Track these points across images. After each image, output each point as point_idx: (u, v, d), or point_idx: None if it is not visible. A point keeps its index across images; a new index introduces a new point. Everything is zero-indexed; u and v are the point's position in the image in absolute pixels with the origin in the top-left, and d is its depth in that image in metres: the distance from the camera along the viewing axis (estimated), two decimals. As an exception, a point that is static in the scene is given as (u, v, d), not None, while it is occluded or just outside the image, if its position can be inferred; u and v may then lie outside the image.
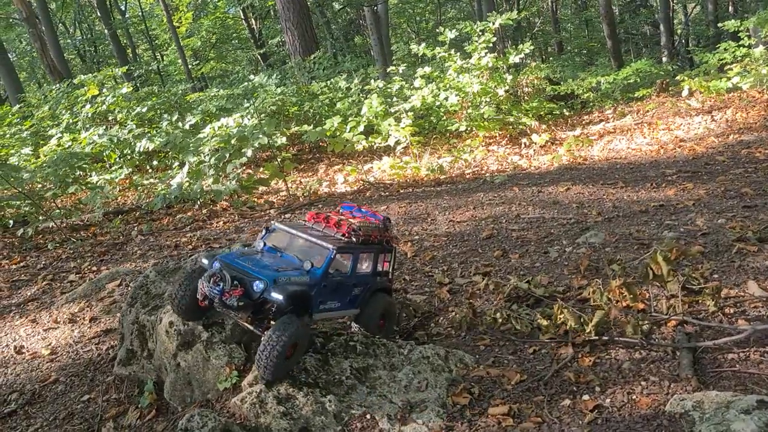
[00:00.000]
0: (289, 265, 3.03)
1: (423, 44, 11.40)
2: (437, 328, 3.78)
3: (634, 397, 2.80)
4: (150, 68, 25.73)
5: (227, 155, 8.38)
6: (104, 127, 11.27)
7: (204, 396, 3.13)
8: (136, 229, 7.53)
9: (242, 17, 26.73)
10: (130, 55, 27.71)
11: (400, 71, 11.93)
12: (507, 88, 11.23)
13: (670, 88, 13.58)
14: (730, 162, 7.04)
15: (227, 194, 8.21)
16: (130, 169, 10.64)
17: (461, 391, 3.00)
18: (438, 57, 11.46)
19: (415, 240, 5.50)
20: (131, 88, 12.55)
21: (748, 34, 13.29)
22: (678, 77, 13.27)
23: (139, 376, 3.57)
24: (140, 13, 28.83)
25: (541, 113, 11.93)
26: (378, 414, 2.82)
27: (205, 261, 3.08)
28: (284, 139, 9.24)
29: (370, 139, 10.03)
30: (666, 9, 24.23)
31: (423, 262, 4.90)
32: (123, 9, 30.43)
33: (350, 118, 10.49)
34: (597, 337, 3.25)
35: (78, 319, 4.62)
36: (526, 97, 12.24)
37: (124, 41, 27.19)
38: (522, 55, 11.21)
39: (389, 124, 9.87)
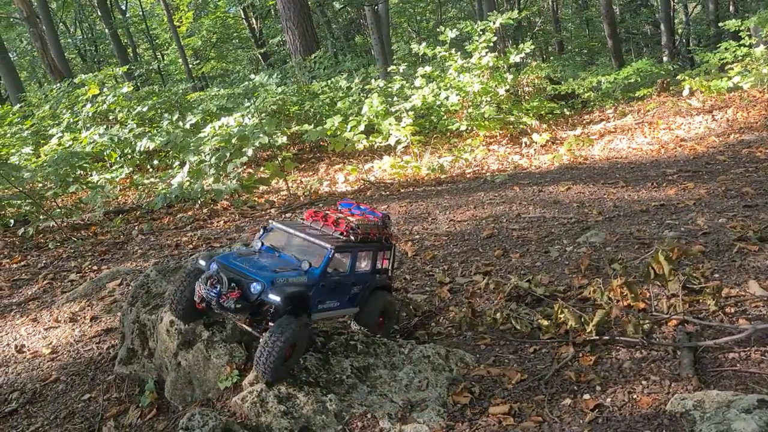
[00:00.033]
0: (287, 266, 3.01)
1: (423, 44, 11.39)
2: (438, 327, 3.78)
3: (634, 396, 2.80)
4: (150, 68, 25.76)
5: (228, 154, 8.37)
6: (105, 126, 11.27)
7: (205, 395, 3.13)
8: (136, 228, 7.53)
9: (243, 17, 26.74)
10: (131, 54, 27.72)
11: (401, 71, 11.93)
12: (507, 87, 11.22)
13: (670, 88, 13.57)
14: (731, 161, 7.03)
15: (228, 193, 8.21)
16: (131, 169, 10.64)
17: (462, 390, 3.00)
18: (438, 56, 11.46)
19: (416, 239, 5.50)
20: (132, 88, 12.54)
21: (748, 33, 13.29)
22: (679, 77, 13.27)
23: (140, 375, 3.57)
24: (141, 13, 28.85)
25: (542, 113, 11.92)
26: (379, 413, 2.82)
27: (202, 262, 3.06)
28: (285, 139, 9.23)
29: (370, 138, 10.02)
30: (667, 8, 24.22)
31: (423, 261, 4.90)
32: (123, 8, 30.45)
33: (351, 118, 10.49)
34: (598, 337, 3.25)
35: (79, 318, 4.62)
36: (526, 97, 12.23)
37: (125, 41, 27.20)
38: (522, 55, 11.21)
39: (390, 124, 9.87)
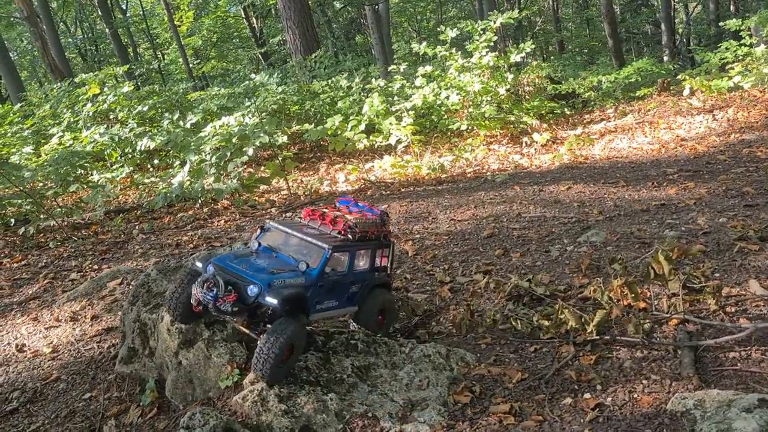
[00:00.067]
0: (285, 267, 2.99)
1: (424, 43, 11.39)
2: (438, 326, 3.78)
3: (635, 395, 2.80)
4: (151, 67, 25.76)
5: (228, 154, 8.37)
6: (105, 125, 11.28)
7: (205, 394, 3.13)
8: (137, 227, 7.54)
9: (243, 16, 26.74)
10: (131, 54, 27.73)
11: (401, 70, 11.93)
12: (508, 87, 11.22)
13: (671, 87, 13.57)
14: (732, 161, 7.03)
15: (228, 193, 8.21)
16: (131, 168, 10.64)
17: (462, 389, 3.00)
18: (439, 56, 11.45)
19: (416, 239, 5.50)
20: (132, 87, 12.54)
21: (749, 33, 13.29)
22: (679, 76, 13.27)
23: (141, 375, 3.57)
24: (141, 12, 28.85)
25: (542, 112, 11.92)
26: (379, 412, 2.82)
27: (199, 264, 3.04)
28: (285, 138, 9.24)
29: (371, 138, 10.02)
30: (667, 8, 24.22)
31: (424, 260, 4.90)
32: (124, 8, 30.46)
33: (351, 117, 10.49)
34: (598, 336, 3.25)
35: (79, 317, 4.62)
36: (527, 96, 12.23)
37: (125, 40, 27.21)
38: (523, 54, 11.21)
39: (390, 123, 9.87)
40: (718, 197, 5.55)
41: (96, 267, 6.07)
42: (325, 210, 3.34)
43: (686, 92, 11.87)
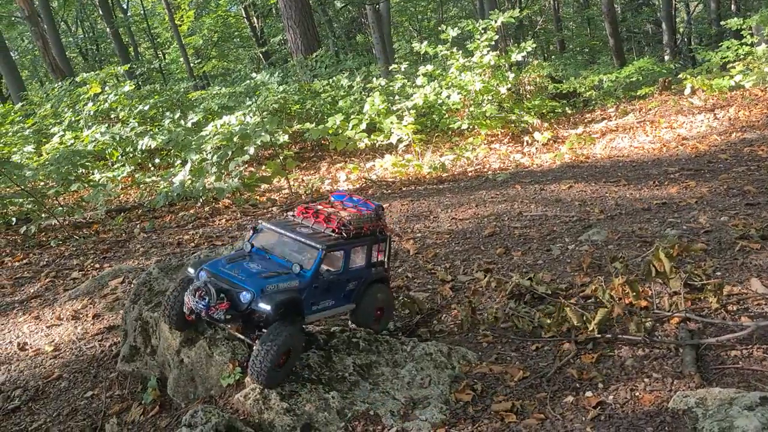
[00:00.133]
0: (278, 269, 2.94)
1: (425, 42, 11.39)
2: (440, 325, 3.78)
3: (637, 393, 2.80)
4: (152, 66, 25.76)
5: (229, 153, 8.37)
6: (106, 125, 11.28)
7: (207, 392, 3.13)
8: (138, 226, 7.54)
9: (244, 15, 26.75)
10: (132, 53, 27.74)
11: (402, 69, 11.92)
12: (509, 86, 11.21)
13: (672, 87, 13.55)
14: (733, 160, 7.03)
15: (229, 192, 8.21)
16: (133, 167, 10.64)
17: (464, 387, 3.00)
18: (440, 55, 11.45)
19: (418, 237, 5.50)
20: (133, 87, 12.55)
21: (750, 32, 13.28)
22: (680, 75, 13.26)
23: (143, 373, 3.58)
24: (142, 12, 28.86)
25: (544, 111, 11.91)
26: (381, 410, 2.82)
27: (191, 270, 3.00)
28: (286, 137, 9.24)
29: (372, 137, 10.02)
30: (668, 7, 24.21)
31: (425, 259, 4.90)
32: (125, 7, 30.46)
33: (352, 116, 10.49)
34: (600, 335, 3.25)
35: (81, 316, 4.63)
36: (528, 96, 12.22)
37: (126, 39, 27.21)
38: (524, 54, 11.21)
39: (391, 122, 9.87)
40: (719, 196, 5.55)
41: (97, 266, 6.08)
42: (319, 207, 3.26)
43: (687, 91, 11.86)
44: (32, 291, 5.50)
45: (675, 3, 26.80)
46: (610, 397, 2.81)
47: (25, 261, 6.61)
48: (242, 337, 3.04)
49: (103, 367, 3.84)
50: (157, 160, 11.38)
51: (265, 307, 2.73)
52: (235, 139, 8.35)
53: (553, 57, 27.11)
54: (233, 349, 3.16)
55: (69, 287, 5.43)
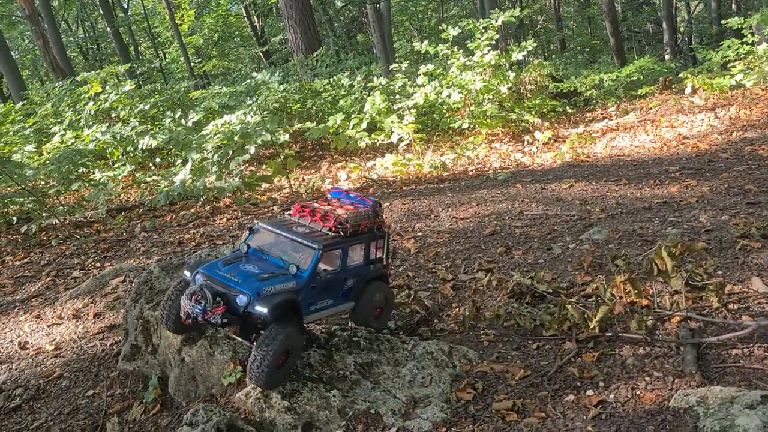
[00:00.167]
0: (275, 270, 2.91)
1: (425, 41, 11.38)
2: (441, 324, 3.78)
3: (638, 392, 2.80)
4: (152, 66, 25.75)
5: (230, 152, 8.37)
6: (107, 124, 11.28)
7: (208, 391, 3.14)
8: (139, 225, 7.54)
9: (244, 15, 26.72)
10: (133, 52, 27.73)
11: (403, 68, 11.92)
12: (510, 85, 11.21)
13: (673, 86, 13.55)
14: (734, 159, 7.03)
15: (230, 191, 8.21)
16: (133, 167, 10.64)
17: (465, 386, 3.00)
18: (441, 54, 11.44)
19: (419, 236, 5.50)
20: (134, 86, 12.55)
21: (751, 31, 13.27)
22: (681, 75, 13.26)
23: (144, 372, 3.58)
24: (142, 11, 28.85)
25: (544, 110, 11.91)
26: (382, 409, 2.83)
27: (187, 273, 2.98)
28: (287, 137, 9.23)
29: (372, 136, 10.01)
30: (669, 6, 24.19)
31: (426, 258, 4.90)
32: (125, 7, 30.45)
33: (353, 116, 10.48)
34: (601, 333, 3.25)
35: (82, 315, 4.63)
36: (528, 95, 12.22)
37: (127, 39, 27.20)
38: (524, 53, 11.19)
39: (392, 122, 9.87)
40: (720, 195, 5.55)
41: (98, 265, 6.08)
42: (315, 205, 3.23)
43: (688, 90, 11.85)
44: (33, 290, 5.51)
45: (676, 2, 26.79)
46: (611, 395, 2.81)
47: (26, 260, 6.62)
48: (240, 339, 3.03)
49: (104, 366, 3.85)
50: (157, 160, 11.38)
51: (261, 309, 2.71)
52: (235, 139, 8.34)
53: (553, 56, 27.10)
54: (234, 348, 3.16)
55: (70, 286, 5.43)
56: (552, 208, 5.84)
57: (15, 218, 8.39)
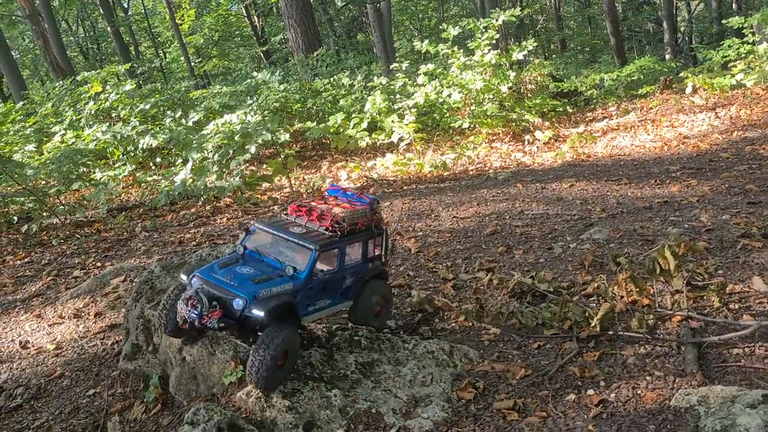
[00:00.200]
0: (271, 272, 2.89)
1: (426, 41, 11.38)
2: (442, 323, 3.78)
3: (639, 391, 2.80)
4: (152, 65, 25.73)
5: (230, 152, 8.37)
6: (107, 124, 11.28)
7: (209, 390, 3.14)
8: (139, 225, 7.54)
9: (245, 14, 26.74)
10: (133, 52, 27.74)
11: (403, 68, 11.92)
12: (510, 85, 11.20)
13: (673, 85, 13.54)
14: (734, 159, 7.02)
15: (231, 191, 8.21)
16: (134, 166, 10.64)
17: (466, 385, 3.00)
18: (441, 54, 11.44)
19: (419, 236, 5.50)
20: (134, 86, 12.55)
21: (752, 30, 13.27)
22: (682, 74, 13.25)
23: (145, 371, 3.58)
24: (143, 11, 28.86)
25: (545, 110, 11.91)
26: (383, 408, 2.83)
27: (183, 277, 2.97)
28: (287, 136, 9.23)
29: (373, 135, 10.01)
30: (669, 6, 24.18)
31: (427, 258, 4.90)
32: (125, 6, 30.45)
33: (353, 115, 10.48)
34: (602, 332, 3.25)
35: (83, 314, 4.63)
36: (529, 94, 12.21)
37: (127, 39, 27.21)
38: (525, 52, 11.18)
39: (392, 121, 9.86)
40: (721, 194, 5.55)
41: (99, 264, 6.08)
42: (312, 204, 3.21)
43: (689, 90, 11.85)
44: (34, 289, 5.51)
45: (676, 2, 26.78)
46: (612, 395, 2.81)
47: (26, 259, 6.62)
48: (239, 341, 3.03)
49: (105, 366, 3.85)
50: (158, 159, 11.38)
51: (258, 313, 2.70)
52: (236, 138, 8.35)
53: (554, 56, 27.10)
54: (235, 347, 3.16)
55: (71, 286, 5.43)
56: (553, 208, 5.84)
57: (16, 218, 8.39)
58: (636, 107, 12.17)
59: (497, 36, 11.35)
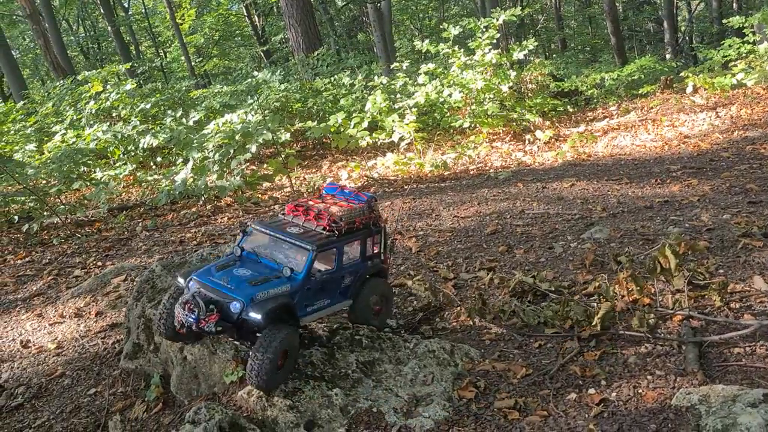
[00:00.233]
0: (269, 274, 2.88)
1: (426, 41, 11.38)
2: (443, 322, 3.78)
3: (640, 390, 2.80)
4: (153, 65, 25.73)
5: (231, 151, 8.38)
6: (108, 123, 11.28)
7: (210, 389, 3.14)
8: (140, 224, 7.55)
9: (245, 14, 26.73)
10: (133, 52, 27.74)
11: (404, 68, 11.92)
12: (511, 84, 11.19)
13: (674, 85, 13.53)
14: (735, 158, 7.02)
15: (231, 190, 8.21)
16: (134, 166, 10.65)
17: (467, 384, 3.00)
18: (441, 53, 11.43)
19: (420, 235, 5.50)
20: (135, 85, 12.55)
21: (752, 30, 13.26)
22: (682, 74, 13.24)
23: (146, 370, 3.58)
24: (143, 10, 28.86)
25: (545, 110, 11.90)
26: (384, 407, 2.83)
27: (181, 280, 2.96)
28: (288, 136, 9.23)
29: (373, 135, 10.01)
30: (670, 6, 24.18)
31: (428, 257, 4.91)
32: (126, 6, 30.46)
33: (354, 115, 10.47)
34: (603, 331, 3.25)
35: (84, 313, 4.63)
36: (529, 94, 12.20)
37: (127, 38, 27.20)
38: (525, 52, 11.18)
39: (393, 121, 9.86)
40: (721, 194, 5.55)
41: (100, 264, 6.09)
42: (309, 203, 3.19)
43: (689, 90, 11.84)
44: (35, 289, 5.51)
45: (676, 1, 26.78)
46: (613, 394, 2.81)
47: (27, 259, 6.62)
48: (237, 342, 3.02)
49: (106, 365, 3.85)
50: (158, 159, 11.38)
51: (255, 316, 2.69)
52: (237, 138, 8.35)
53: (554, 55, 27.07)
54: (236, 346, 3.16)
55: (71, 285, 5.43)
56: (553, 207, 5.84)
57: (16, 217, 8.40)
58: (637, 107, 12.16)
59: (498, 35, 11.34)
